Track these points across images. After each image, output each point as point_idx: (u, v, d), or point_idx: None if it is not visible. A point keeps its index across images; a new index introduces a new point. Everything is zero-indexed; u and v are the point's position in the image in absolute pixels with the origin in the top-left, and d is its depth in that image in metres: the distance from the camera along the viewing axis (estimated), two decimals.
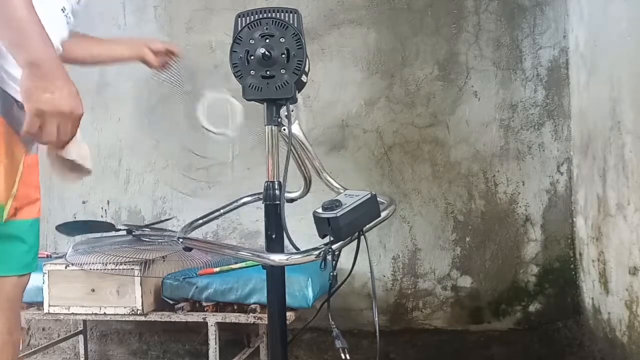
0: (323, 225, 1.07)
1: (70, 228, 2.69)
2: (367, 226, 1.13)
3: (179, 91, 2.57)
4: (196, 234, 1.32)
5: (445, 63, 2.79)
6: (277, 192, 1.22)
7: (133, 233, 2.51)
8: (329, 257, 1.07)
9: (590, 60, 2.42)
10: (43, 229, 3.11)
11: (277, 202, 1.22)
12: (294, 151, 1.32)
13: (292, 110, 1.22)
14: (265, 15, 1.18)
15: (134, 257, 2.22)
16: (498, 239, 2.76)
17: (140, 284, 2.20)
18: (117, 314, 2.25)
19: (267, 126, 1.22)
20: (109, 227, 2.59)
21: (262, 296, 2.15)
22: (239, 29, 1.20)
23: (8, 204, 1.13)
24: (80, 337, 2.87)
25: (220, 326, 2.23)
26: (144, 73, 1.79)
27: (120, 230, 2.57)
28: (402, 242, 2.82)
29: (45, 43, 1.01)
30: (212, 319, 2.21)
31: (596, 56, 2.34)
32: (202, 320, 2.22)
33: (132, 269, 2.20)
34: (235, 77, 1.20)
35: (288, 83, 1.17)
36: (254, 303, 2.19)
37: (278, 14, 1.18)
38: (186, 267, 2.37)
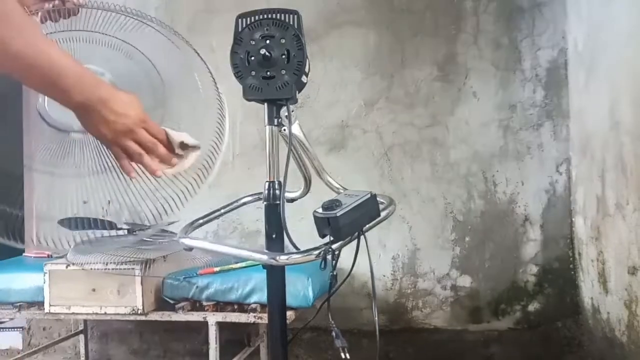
0: (323, 225, 1.07)
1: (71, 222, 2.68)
2: (367, 226, 1.13)
3: None
4: (196, 234, 1.32)
5: (445, 64, 2.79)
6: (277, 192, 1.23)
7: (134, 233, 2.51)
8: (329, 257, 1.07)
9: (589, 61, 2.42)
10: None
11: (277, 202, 1.22)
12: (294, 151, 1.32)
13: (293, 111, 1.23)
14: (265, 16, 1.18)
15: (134, 256, 2.22)
16: (497, 238, 2.76)
17: (141, 284, 2.21)
18: (118, 314, 2.25)
19: (267, 126, 1.23)
20: (110, 225, 2.59)
21: (262, 296, 2.16)
22: (240, 29, 1.20)
23: None
24: (81, 337, 2.88)
25: (221, 326, 2.23)
26: None
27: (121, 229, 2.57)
28: (401, 242, 2.83)
29: (79, 78, 0.87)
30: (213, 318, 2.22)
31: (595, 57, 2.35)
32: (202, 319, 2.23)
33: (133, 268, 2.20)
34: (236, 77, 1.20)
35: (288, 84, 1.17)
36: (254, 303, 2.20)
37: (278, 15, 1.18)
38: (186, 267, 2.38)
